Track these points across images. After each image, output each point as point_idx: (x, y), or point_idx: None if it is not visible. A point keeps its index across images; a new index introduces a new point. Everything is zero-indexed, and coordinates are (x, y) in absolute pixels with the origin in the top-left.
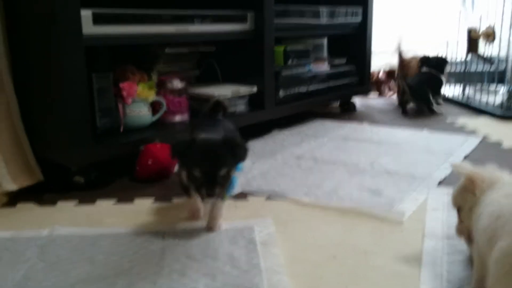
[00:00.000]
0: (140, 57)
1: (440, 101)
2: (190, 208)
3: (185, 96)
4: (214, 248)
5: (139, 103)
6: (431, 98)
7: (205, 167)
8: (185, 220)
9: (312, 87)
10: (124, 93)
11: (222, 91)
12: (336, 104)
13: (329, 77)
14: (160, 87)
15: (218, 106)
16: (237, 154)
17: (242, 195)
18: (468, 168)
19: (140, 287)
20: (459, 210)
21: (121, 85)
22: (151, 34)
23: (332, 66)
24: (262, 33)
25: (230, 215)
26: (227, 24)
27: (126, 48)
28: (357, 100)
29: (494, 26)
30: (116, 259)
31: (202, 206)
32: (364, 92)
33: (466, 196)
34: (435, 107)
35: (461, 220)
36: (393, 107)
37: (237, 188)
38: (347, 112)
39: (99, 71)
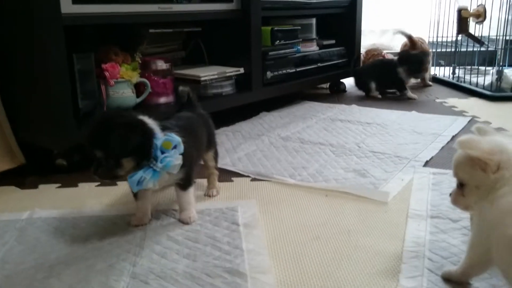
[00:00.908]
0: (124, 38)
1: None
2: (136, 213)
3: (170, 78)
4: (196, 230)
5: (123, 85)
6: (372, 86)
7: (108, 147)
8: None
9: (301, 68)
10: (107, 74)
11: (208, 72)
12: (325, 86)
13: (317, 58)
14: (145, 68)
15: (183, 96)
16: (149, 141)
17: (227, 176)
18: (481, 141)
19: (119, 268)
20: (461, 183)
21: (104, 66)
22: (133, 13)
23: (321, 47)
24: (248, 13)
25: (214, 196)
26: (213, 4)
27: (108, 28)
28: (347, 81)
29: (484, 5)
30: (96, 241)
31: (148, 209)
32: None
33: (474, 173)
34: (375, 93)
35: (462, 194)
36: None
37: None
38: (337, 93)
39: (81, 52)
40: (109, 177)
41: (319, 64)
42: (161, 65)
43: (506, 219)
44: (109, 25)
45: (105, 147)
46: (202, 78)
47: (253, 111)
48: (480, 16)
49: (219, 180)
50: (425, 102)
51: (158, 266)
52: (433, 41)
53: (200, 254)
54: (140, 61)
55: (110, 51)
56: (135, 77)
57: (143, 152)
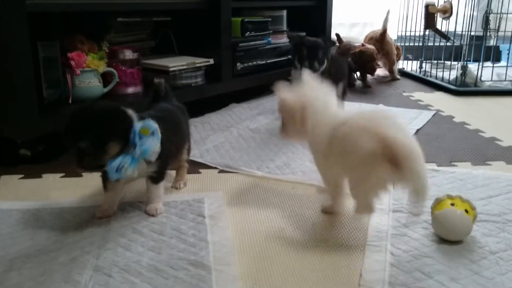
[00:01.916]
0: (91, 27)
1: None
2: (102, 204)
3: (138, 67)
4: (162, 222)
5: (89, 74)
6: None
7: (83, 134)
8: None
9: (271, 60)
10: (73, 63)
11: (177, 63)
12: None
13: (288, 49)
14: (112, 58)
15: (159, 88)
16: (127, 127)
17: (195, 168)
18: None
19: (83, 261)
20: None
21: (70, 55)
22: (100, 1)
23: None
24: (218, 4)
25: (181, 188)
26: None
27: (75, 16)
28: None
29: (451, 1)
30: (59, 233)
31: (115, 202)
32: None
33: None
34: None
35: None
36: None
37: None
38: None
39: (46, 40)
40: (95, 166)
41: (290, 56)
42: (129, 54)
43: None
44: (76, 13)
45: (89, 135)
46: (171, 69)
47: (223, 102)
48: (447, 11)
49: (187, 172)
50: (392, 95)
51: (122, 259)
52: (401, 35)
53: (165, 246)
54: (107, 50)
55: (76, 39)
56: (102, 67)
57: (125, 138)
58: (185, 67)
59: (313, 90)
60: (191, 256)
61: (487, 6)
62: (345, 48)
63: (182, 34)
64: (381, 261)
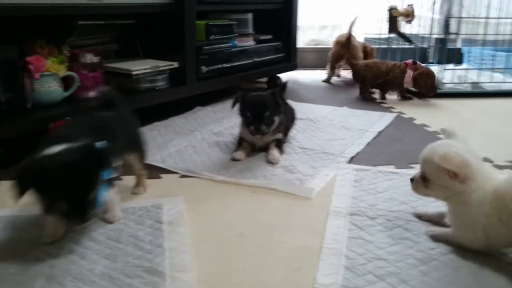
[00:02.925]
0: (51, 30)
1: None
2: (47, 228)
3: (100, 71)
4: (119, 229)
5: (49, 78)
6: None
7: (65, 194)
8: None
9: (237, 63)
10: (32, 68)
11: (141, 66)
12: (264, 80)
13: (254, 52)
14: (73, 62)
15: (103, 97)
16: (102, 166)
17: (156, 173)
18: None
19: (35, 270)
20: (425, 177)
21: (28, 59)
22: (60, 5)
23: (257, 41)
24: (182, 7)
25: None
26: None
27: (35, 20)
28: (286, 76)
29: (412, 5)
30: (13, 241)
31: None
32: (291, 68)
33: (443, 177)
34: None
35: (425, 185)
36: (320, 83)
37: (104, 201)
38: (273, 88)
39: (3, 44)
40: (88, 218)
41: (256, 59)
42: (91, 58)
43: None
44: (35, 16)
45: (76, 193)
46: (134, 72)
47: (187, 105)
48: (409, 15)
49: (148, 177)
50: (356, 97)
51: (76, 267)
52: (369, 37)
53: (121, 254)
54: (68, 54)
55: (36, 43)
56: (62, 71)
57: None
58: (148, 70)
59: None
60: (146, 263)
61: (448, 11)
62: None
63: (147, 37)
64: (336, 264)
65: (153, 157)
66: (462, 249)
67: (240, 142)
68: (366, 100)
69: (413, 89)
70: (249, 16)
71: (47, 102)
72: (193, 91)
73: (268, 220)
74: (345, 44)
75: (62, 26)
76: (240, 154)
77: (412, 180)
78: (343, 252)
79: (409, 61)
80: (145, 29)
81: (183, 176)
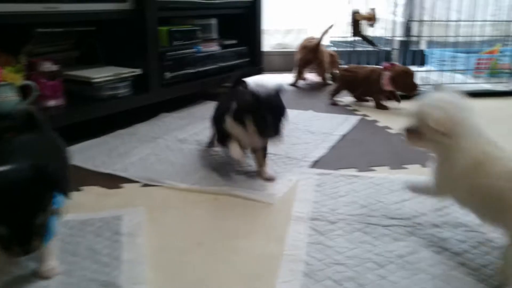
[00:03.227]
0: (6, 39)
1: None
2: None
3: (59, 79)
4: (76, 242)
5: (5, 88)
6: None
7: (11, 219)
8: None
9: (202, 68)
10: None
11: (102, 74)
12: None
13: (219, 57)
14: (31, 70)
15: (27, 118)
16: (53, 187)
17: (117, 183)
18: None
19: None
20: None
21: None
22: (14, 13)
23: (222, 46)
24: (143, 13)
25: (101, 204)
26: (105, 3)
27: None
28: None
29: (375, 9)
30: None
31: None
32: (257, 72)
33: (433, 132)
34: None
35: (419, 137)
36: (287, 87)
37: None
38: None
39: None
40: (33, 249)
41: (221, 64)
42: (49, 66)
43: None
44: None
45: (45, 206)
46: (94, 80)
47: (152, 112)
48: (372, 19)
49: (108, 187)
50: (322, 100)
51: (28, 285)
52: (335, 41)
53: (77, 268)
54: (25, 63)
55: None
56: (19, 80)
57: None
58: (110, 78)
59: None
60: (103, 276)
61: (409, 14)
62: None
63: (109, 44)
64: (295, 271)
65: (115, 166)
66: (419, 251)
67: (230, 142)
68: (359, 102)
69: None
70: (213, 21)
71: (3, 112)
72: (157, 98)
73: (229, 228)
74: (313, 50)
75: (19, 34)
76: (239, 152)
77: (405, 131)
78: (302, 258)
79: (386, 63)
80: (107, 35)
81: (145, 185)
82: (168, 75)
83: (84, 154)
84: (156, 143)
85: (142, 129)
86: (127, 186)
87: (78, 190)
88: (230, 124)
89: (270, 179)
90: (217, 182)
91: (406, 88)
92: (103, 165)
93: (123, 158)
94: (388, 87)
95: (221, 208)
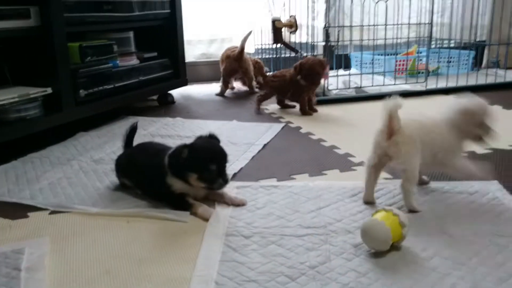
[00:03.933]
0: None
1: None
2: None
3: None
4: None
5: None
6: None
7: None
8: None
9: (120, 83)
10: None
11: (7, 95)
12: (155, 98)
13: (139, 71)
14: None
15: None
16: None
17: (23, 212)
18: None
19: None
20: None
21: None
22: None
23: (141, 60)
24: (50, 30)
25: (2, 238)
26: (6, 21)
27: None
28: (175, 92)
29: (295, 16)
30: None
31: None
32: (181, 84)
33: None
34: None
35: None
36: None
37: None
38: (165, 105)
39: None
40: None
41: (141, 78)
42: None
43: None
44: None
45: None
46: None
47: (69, 132)
48: (292, 26)
49: (13, 218)
50: (248, 109)
51: None
52: (259, 48)
53: None
54: None
55: None
56: None
57: None
58: (16, 99)
59: None
60: None
61: (327, 20)
62: None
63: (17, 63)
64: None
65: (21, 194)
66: (331, 259)
67: (184, 201)
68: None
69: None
70: (130, 34)
71: None
72: (72, 117)
73: (138, 253)
74: (237, 59)
75: None
76: (208, 211)
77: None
78: (213, 278)
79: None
80: (14, 54)
81: (53, 212)
82: (82, 92)
83: None
84: (69, 165)
85: (56, 151)
86: (33, 214)
87: None
88: (170, 181)
89: (243, 204)
90: (131, 203)
91: (313, 77)
92: (8, 193)
93: (31, 184)
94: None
95: (132, 232)
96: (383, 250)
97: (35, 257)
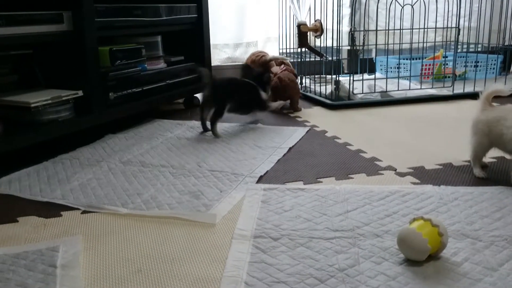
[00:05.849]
0: None
1: None
2: None
3: None
4: (6, 279)
5: None
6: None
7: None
8: None
9: (148, 87)
10: None
11: (40, 98)
12: (181, 101)
13: (166, 75)
14: None
15: None
16: None
17: (56, 211)
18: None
19: None
20: None
21: None
22: None
23: (169, 63)
24: (82, 34)
25: (37, 235)
26: (40, 26)
27: None
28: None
29: (320, 20)
30: None
31: None
32: None
33: None
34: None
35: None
36: None
37: None
38: (191, 108)
39: None
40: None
41: (168, 81)
42: None
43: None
44: None
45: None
46: (33, 105)
47: (97, 134)
48: (318, 30)
49: (46, 216)
50: (272, 113)
51: None
52: (283, 52)
53: None
54: None
55: None
56: None
57: None
58: (49, 101)
59: None
60: None
61: (351, 25)
62: None
63: (49, 67)
64: None
65: (53, 194)
66: (360, 263)
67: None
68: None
69: None
70: (158, 38)
71: None
72: (102, 119)
73: (169, 252)
74: (263, 64)
75: None
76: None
77: None
78: (243, 278)
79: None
80: (46, 58)
81: (85, 212)
82: (112, 95)
83: (21, 183)
84: (98, 167)
85: (85, 152)
86: (66, 214)
87: (14, 221)
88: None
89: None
90: (159, 205)
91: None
92: (41, 193)
93: (63, 185)
94: None
95: (162, 233)
96: (420, 260)
97: (70, 255)
